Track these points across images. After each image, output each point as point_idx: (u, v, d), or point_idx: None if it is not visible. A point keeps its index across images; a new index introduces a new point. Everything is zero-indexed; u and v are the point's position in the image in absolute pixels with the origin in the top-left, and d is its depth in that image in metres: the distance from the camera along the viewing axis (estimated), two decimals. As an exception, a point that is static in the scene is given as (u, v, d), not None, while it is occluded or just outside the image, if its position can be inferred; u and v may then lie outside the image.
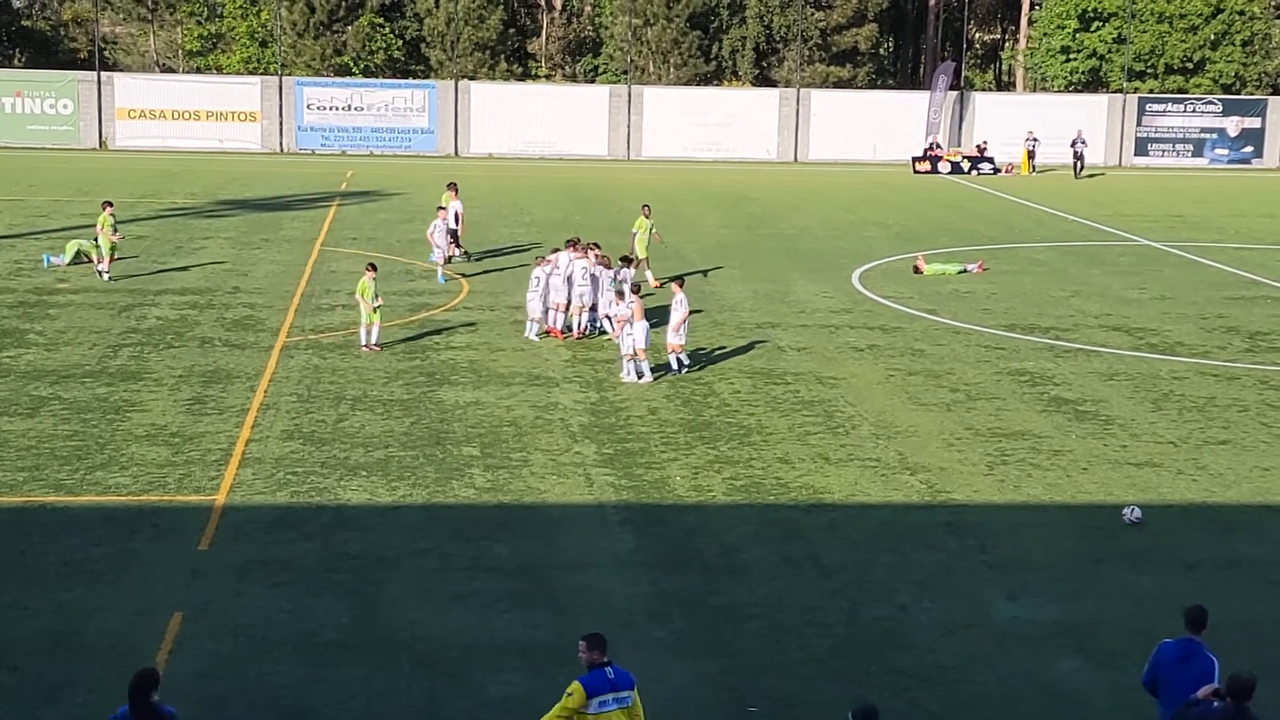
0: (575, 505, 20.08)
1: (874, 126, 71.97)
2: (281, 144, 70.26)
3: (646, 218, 36.90)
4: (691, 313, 29.01)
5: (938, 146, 70.42)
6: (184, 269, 37.43)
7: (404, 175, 60.50)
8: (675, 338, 27.30)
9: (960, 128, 73.56)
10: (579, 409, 24.92)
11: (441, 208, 38.26)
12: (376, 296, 28.47)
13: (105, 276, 35.47)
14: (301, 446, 22.35)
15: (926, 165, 68.60)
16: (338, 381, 26.36)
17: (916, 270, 39.33)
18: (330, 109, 70.29)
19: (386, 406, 24.76)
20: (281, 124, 70.13)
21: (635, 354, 26.75)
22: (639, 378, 26.70)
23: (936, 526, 19.60)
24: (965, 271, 39.48)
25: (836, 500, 20.52)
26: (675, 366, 27.27)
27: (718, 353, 29.39)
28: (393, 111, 70.59)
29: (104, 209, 36.06)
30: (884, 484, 21.28)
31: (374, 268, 29.04)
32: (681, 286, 27.82)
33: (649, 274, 36.06)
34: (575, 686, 11.63)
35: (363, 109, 70.40)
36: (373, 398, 25.28)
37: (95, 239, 36.14)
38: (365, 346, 28.43)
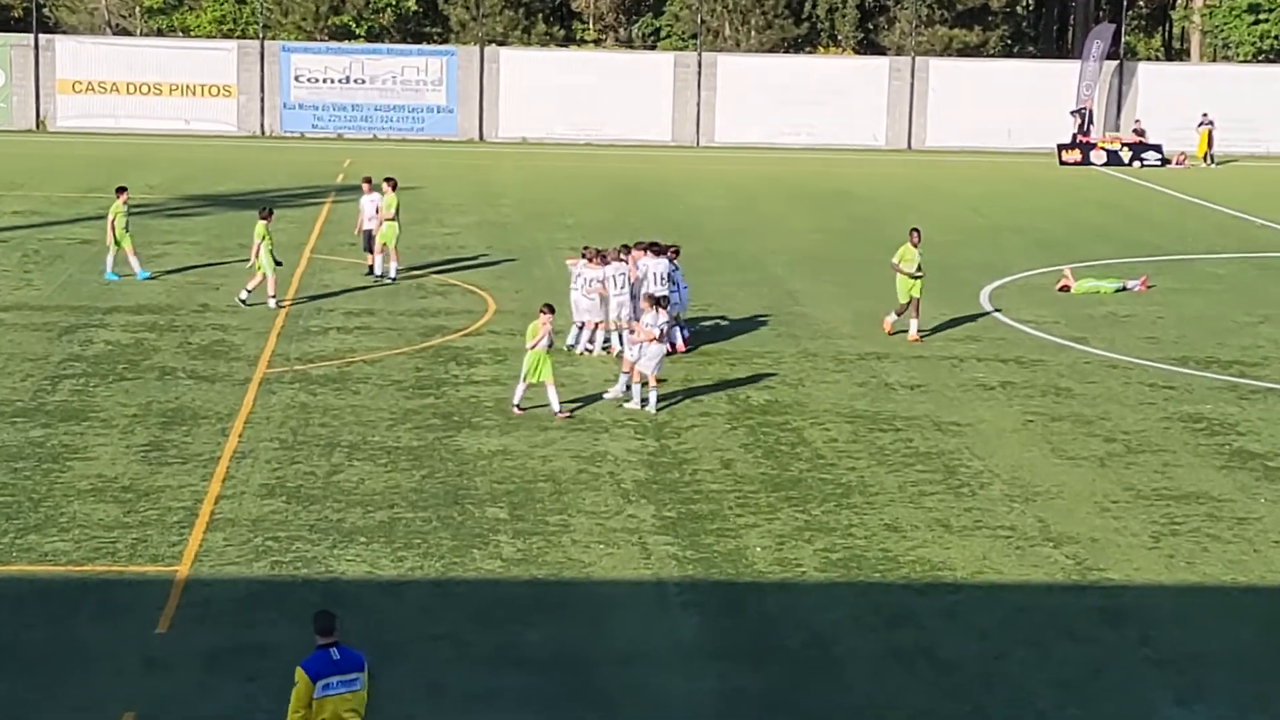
0: (628, 582, 20.12)
1: (1009, 105, 71.81)
2: (263, 125, 70.88)
3: (914, 245, 33.23)
4: (761, 318, 29.05)
5: (1089, 118, 70.09)
6: (139, 281, 37.75)
7: (416, 165, 60.86)
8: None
9: (1120, 107, 73.33)
10: (633, 460, 24.99)
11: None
12: (550, 347, 26.95)
13: (272, 302, 34.97)
14: (285, 505, 22.52)
15: (1076, 155, 68.39)
16: (330, 424, 26.54)
17: (1063, 288, 39.20)
18: (324, 82, 70.92)
19: (391, 455, 24.90)
20: (263, 100, 70.79)
21: (642, 378, 27.53)
22: (639, 404, 27.47)
23: (1087, 612, 19.50)
24: (1124, 290, 39.31)
25: (959, 579, 20.46)
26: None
27: (809, 390, 29.40)
28: (402, 85, 71.15)
29: (261, 218, 35.42)
30: (1020, 559, 21.20)
31: (551, 309, 27.23)
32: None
33: (914, 324, 33.32)
34: (298, 674, 13.51)
35: (365, 82, 70.98)
36: (374, 444, 25.44)
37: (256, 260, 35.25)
38: (516, 408, 27.12)
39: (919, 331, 33.56)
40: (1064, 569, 20.90)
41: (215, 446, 25.17)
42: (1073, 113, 70.61)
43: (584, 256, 31.70)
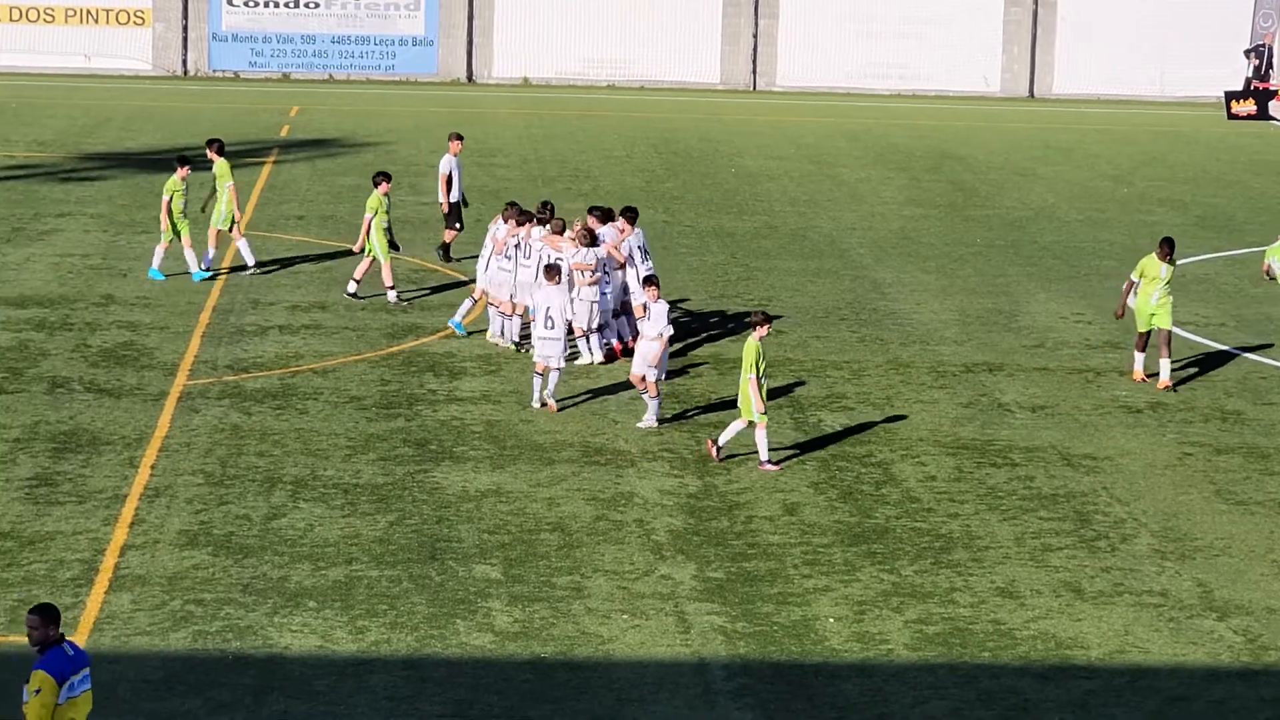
0: (660, 663, 20.09)
1: (1162, 41, 71.63)
2: (186, 62, 70.95)
3: (1163, 260, 31.55)
4: (838, 317, 28.97)
5: (1268, 58, 69.90)
6: (24, 265, 37.88)
7: (384, 114, 60.90)
8: (649, 370, 28.19)
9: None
10: (669, 504, 24.94)
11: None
12: (761, 388, 26.09)
13: (392, 295, 35.35)
14: (211, 559, 22.50)
15: (1251, 106, 68.20)
16: (271, 452, 26.54)
17: (1270, 274, 38.53)
18: (266, 6, 70.97)
19: (350, 495, 24.89)
20: (186, 30, 70.85)
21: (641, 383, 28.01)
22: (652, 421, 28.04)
23: (1261, 704, 19.43)
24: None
25: (1094, 660, 20.41)
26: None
27: (899, 412, 29.36)
28: (368, 11, 71.19)
29: (376, 186, 35.50)
30: (1174, 635, 21.14)
31: (767, 320, 26.97)
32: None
33: (1164, 366, 31.18)
34: (41, 678, 14.47)
35: (318, 6, 71.02)
36: (327, 480, 25.42)
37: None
38: (766, 464, 26.58)
39: (1172, 377, 31.42)
40: (1232, 648, 20.82)
41: (121, 481, 25.16)
42: (1247, 51, 70.46)
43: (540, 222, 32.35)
